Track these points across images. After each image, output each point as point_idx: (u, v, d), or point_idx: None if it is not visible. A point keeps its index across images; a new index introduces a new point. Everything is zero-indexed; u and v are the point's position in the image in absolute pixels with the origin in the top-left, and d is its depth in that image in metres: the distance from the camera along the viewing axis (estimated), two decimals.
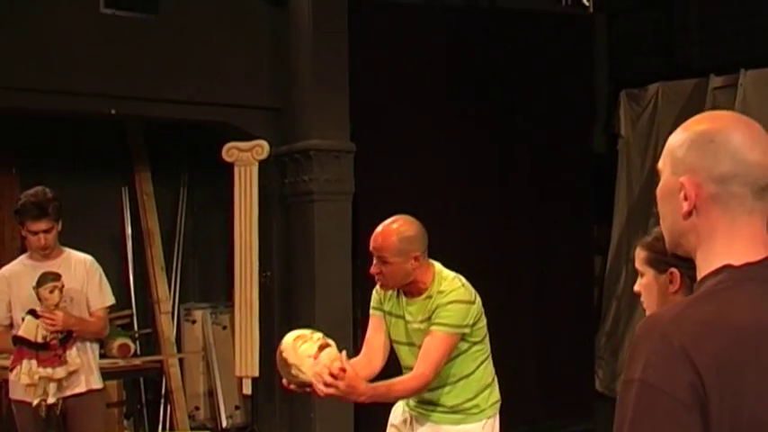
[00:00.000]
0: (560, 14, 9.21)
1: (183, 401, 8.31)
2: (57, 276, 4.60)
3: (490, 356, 4.25)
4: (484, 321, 4.15)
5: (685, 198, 1.74)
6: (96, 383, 5.19)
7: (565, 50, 9.11)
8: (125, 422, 8.15)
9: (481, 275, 8.37)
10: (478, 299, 4.12)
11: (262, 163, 7.44)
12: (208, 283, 9.07)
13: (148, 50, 7.19)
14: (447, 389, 4.12)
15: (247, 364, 7.35)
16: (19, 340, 4.51)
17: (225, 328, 8.71)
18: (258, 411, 7.96)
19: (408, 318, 4.14)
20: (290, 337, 3.93)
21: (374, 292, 4.36)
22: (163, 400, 8.42)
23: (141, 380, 8.35)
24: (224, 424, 8.45)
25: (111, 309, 5.38)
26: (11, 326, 4.97)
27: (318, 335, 3.92)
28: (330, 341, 3.90)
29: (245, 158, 7.36)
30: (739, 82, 8.53)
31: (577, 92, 9.37)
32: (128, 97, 7.14)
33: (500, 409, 4.32)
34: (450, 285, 4.06)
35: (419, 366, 3.98)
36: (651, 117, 9.55)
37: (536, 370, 8.80)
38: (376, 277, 4.10)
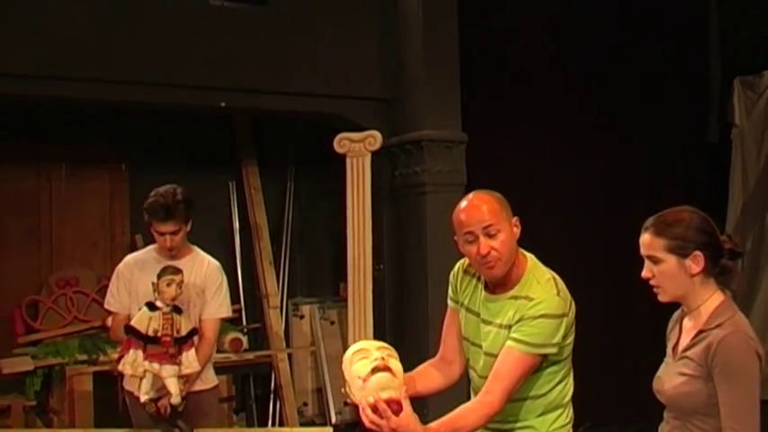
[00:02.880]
0: None
1: (292, 397, 8.26)
2: (177, 270, 4.50)
3: (571, 374, 3.50)
4: (573, 335, 3.39)
5: None
6: (211, 381, 5.12)
7: (677, 36, 8.91)
8: (234, 417, 8.13)
9: (590, 268, 8.37)
10: (573, 307, 3.38)
11: (372, 155, 7.33)
12: (315, 277, 9.02)
13: (257, 42, 7.13)
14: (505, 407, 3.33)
15: None
16: (129, 330, 4.42)
17: (333, 323, 8.64)
18: None
19: (484, 316, 3.46)
20: (351, 349, 3.35)
21: (450, 276, 3.65)
22: (272, 396, 8.39)
23: (251, 375, 8.32)
24: (333, 420, 8.34)
25: None
26: (129, 316, 4.88)
27: (379, 353, 3.22)
28: (392, 363, 3.20)
29: (357, 149, 7.25)
30: None
31: (690, 79, 9.21)
32: (237, 90, 7.11)
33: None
34: (542, 293, 3.31)
35: (486, 393, 3.26)
36: (767, 105, 9.23)
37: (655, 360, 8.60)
38: (486, 258, 3.30)
